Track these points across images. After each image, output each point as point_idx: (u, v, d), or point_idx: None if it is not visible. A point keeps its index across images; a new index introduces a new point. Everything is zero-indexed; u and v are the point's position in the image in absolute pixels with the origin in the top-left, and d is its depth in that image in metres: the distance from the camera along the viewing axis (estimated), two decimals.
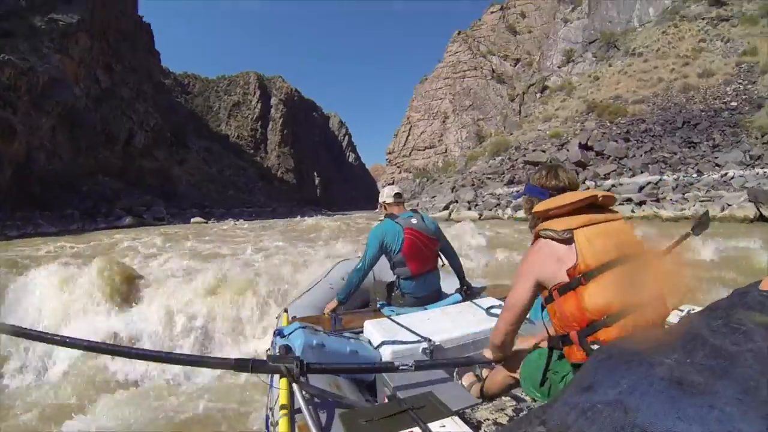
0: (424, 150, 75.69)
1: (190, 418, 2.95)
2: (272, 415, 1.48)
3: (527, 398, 1.45)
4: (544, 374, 1.40)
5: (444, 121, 75.43)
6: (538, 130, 37.43)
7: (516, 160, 33.06)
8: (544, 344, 1.52)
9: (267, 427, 1.59)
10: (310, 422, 1.22)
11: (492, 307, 2.33)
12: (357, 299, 3.21)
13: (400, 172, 78.40)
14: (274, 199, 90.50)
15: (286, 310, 2.64)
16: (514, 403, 1.30)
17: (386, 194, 2.95)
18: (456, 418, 1.11)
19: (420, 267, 2.71)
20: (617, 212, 1.40)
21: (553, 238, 1.31)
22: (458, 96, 74.76)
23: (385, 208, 2.94)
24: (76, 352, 3.67)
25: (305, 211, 69.81)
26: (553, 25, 65.25)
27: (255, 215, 53.38)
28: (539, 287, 1.36)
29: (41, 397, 3.38)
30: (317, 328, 1.95)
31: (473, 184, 32.12)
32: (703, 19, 41.60)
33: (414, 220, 2.77)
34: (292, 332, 1.82)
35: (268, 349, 2.00)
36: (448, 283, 2.99)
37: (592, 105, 35.76)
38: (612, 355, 0.74)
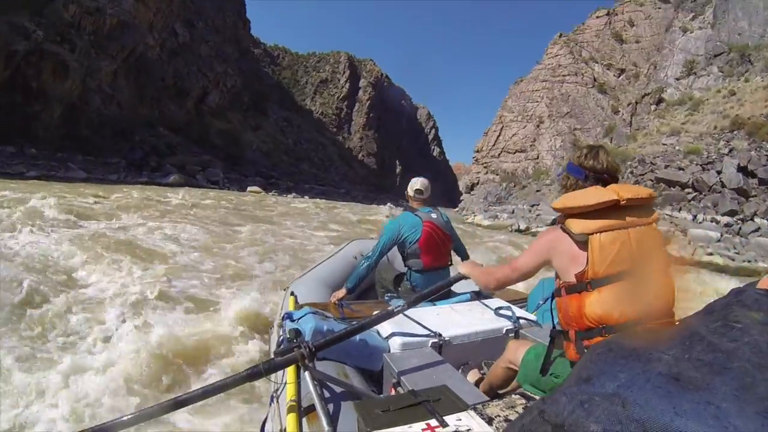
0: (514, 153, 71.22)
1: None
2: (277, 401, 1.49)
3: (537, 397, 1.41)
4: (543, 371, 1.42)
5: (538, 126, 70.48)
6: (663, 144, 31.84)
7: (642, 175, 27.06)
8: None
9: (269, 411, 1.61)
10: (319, 409, 1.22)
11: (501, 308, 2.31)
12: (362, 286, 3.04)
13: (486, 173, 74.32)
14: (350, 181, 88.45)
15: (293, 293, 2.62)
16: (524, 401, 1.30)
17: (410, 186, 2.93)
18: (471, 411, 1.12)
19: (433, 261, 2.72)
20: (651, 214, 1.34)
21: (570, 236, 1.31)
22: (556, 101, 69.91)
23: (408, 200, 2.95)
24: None
25: (382, 198, 67.25)
26: (669, 34, 58.22)
27: (325, 194, 50.59)
28: (545, 265, 1.42)
29: None
30: (327, 315, 1.99)
31: None
32: None
33: (434, 215, 2.79)
34: (302, 317, 1.85)
35: (271, 327, 2.43)
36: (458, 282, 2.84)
37: (739, 122, 28.12)
38: (611, 349, 0.74)
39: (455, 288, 2.81)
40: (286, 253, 7.58)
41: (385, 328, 1.96)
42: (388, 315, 1.80)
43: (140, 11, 36.13)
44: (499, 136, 74.51)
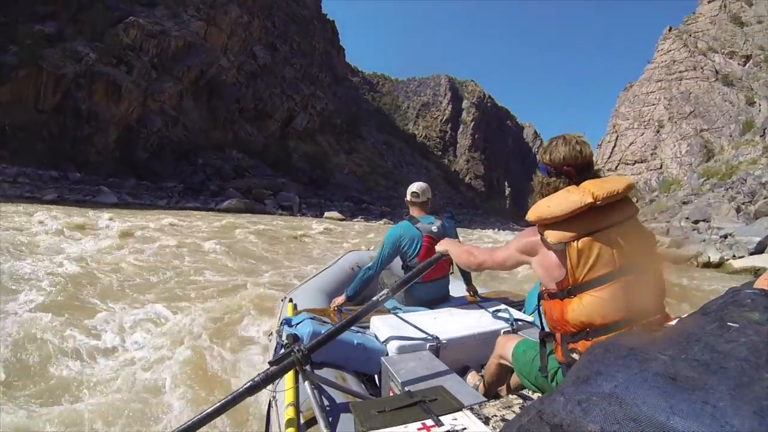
0: (633, 164, 64.66)
1: (179, 408, 2.69)
2: (276, 408, 1.50)
3: (533, 396, 1.42)
4: (542, 370, 1.41)
5: (658, 131, 63.91)
6: None
7: None
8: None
9: (268, 417, 1.61)
10: (317, 411, 1.24)
11: (498, 310, 2.30)
12: (361, 296, 2.98)
13: None
14: (457, 205, 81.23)
15: (291, 300, 2.67)
16: (520, 401, 1.30)
17: (408, 191, 2.88)
18: (467, 411, 1.13)
19: (433, 274, 2.63)
20: (630, 206, 1.27)
21: (548, 247, 1.26)
22: (675, 101, 62.88)
23: (408, 207, 2.90)
24: None
25: (490, 222, 60.01)
26: None
27: None
28: (523, 264, 1.40)
29: None
30: (324, 320, 1.99)
31: None
32: None
33: (434, 228, 2.74)
34: (299, 322, 1.87)
35: (270, 334, 2.29)
36: (456, 287, 2.98)
37: None
38: (608, 350, 0.75)
39: (453, 293, 2.87)
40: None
41: (382, 332, 1.98)
42: (374, 305, 1.82)
43: (212, 33, 35.03)
44: (614, 147, 68.79)
